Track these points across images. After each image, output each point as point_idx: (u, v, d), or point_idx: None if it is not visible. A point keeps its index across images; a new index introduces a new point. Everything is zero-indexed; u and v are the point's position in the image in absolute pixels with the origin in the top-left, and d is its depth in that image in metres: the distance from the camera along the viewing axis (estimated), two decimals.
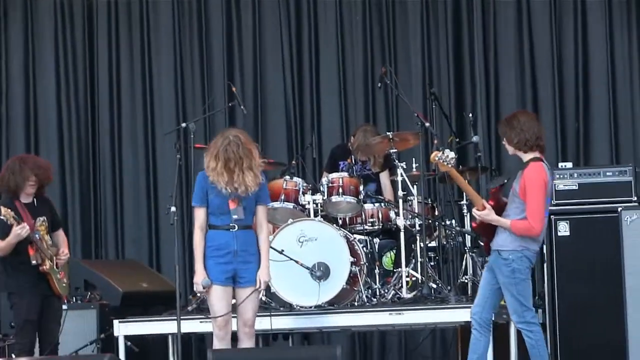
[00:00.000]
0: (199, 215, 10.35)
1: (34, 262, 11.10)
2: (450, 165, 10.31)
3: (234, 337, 10.52)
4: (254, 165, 10.21)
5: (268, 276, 10.44)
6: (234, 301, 10.47)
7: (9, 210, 10.86)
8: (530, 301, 10.27)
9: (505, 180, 10.51)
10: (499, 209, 10.21)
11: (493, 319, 10.41)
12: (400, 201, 12.22)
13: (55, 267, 11.19)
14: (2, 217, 10.85)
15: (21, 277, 11.23)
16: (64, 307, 11.66)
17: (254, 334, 10.54)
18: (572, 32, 14.61)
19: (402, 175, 12.15)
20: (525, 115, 10.37)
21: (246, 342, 10.47)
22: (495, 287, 10.30)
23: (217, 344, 10.39)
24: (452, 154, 10.38)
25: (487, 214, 10.24)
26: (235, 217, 10.25)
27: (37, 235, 11.07)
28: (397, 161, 12.22)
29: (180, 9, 15.09)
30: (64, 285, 11.36)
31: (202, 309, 11.41)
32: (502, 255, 10.19)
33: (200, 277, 10.27)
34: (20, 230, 10.89)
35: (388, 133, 12.77)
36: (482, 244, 11.13)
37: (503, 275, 10.24)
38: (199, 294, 10.86)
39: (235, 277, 10.34)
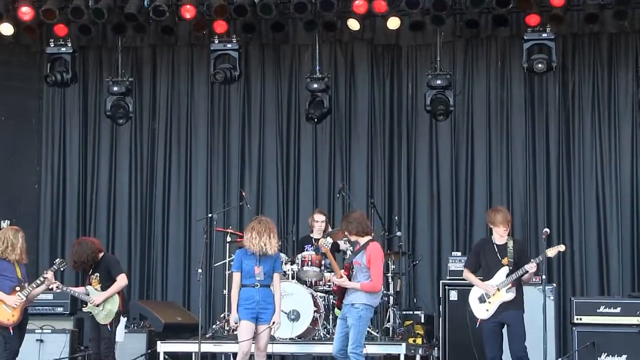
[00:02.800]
0: (236, 277, 10.32)
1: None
2: (326, 247, 10.65)
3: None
4: (274, 236, 10.27)
5: (279, 318, 10.39)
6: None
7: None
8: (363, 340, 10.15)
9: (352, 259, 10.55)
10: (349, 277, 10.23)
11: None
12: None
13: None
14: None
15: None
16: (125, 330, 11.47)
17: (265, 356, 10.47)
18: (464, 157, 14.48)
19: (350, 254, 12.05)
20: (355, 214, 10.58)
21: None
22: (347, 331, 10.18)
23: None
24: (330, 240, 10.88)
25: (344, 280, 10.32)
26: (258, 278, 10.23)
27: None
28: (348, 245, 12.17)
29: (211, 138, 14.97)
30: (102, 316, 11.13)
31: (215, 337, 11.36)
32: (354, 306, 10.16)
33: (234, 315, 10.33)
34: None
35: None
36: (335, 301, 10.88)
37: (353, 318, 10.15)
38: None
39: (257, 317, 10.30)
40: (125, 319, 11.27)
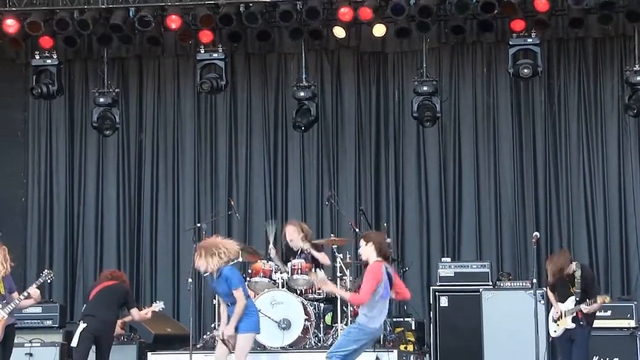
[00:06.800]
0: None
1: None
2: (322, 281, 9.81)
3: None
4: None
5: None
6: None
7: None
8: (343, 348, 9.19)
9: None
10: None
11: None
12: (338, 279, 11.89)
13: None
14: None
15: None
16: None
17: None
18: (452, 163, 14.49)
19: (339, 262, 11.98)
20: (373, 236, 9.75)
21: None
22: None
23: None
24: (322, 274, 10.32)
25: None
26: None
27: None
28: (336, 253, 12.12)
29: (198, 148, 14.88)
30: None
31: (206, 347, 11.29)
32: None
33: None
34: None
35: (331, 235, 12.72)
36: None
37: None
38: None
39: None
40: (85, 325, 10.93)
